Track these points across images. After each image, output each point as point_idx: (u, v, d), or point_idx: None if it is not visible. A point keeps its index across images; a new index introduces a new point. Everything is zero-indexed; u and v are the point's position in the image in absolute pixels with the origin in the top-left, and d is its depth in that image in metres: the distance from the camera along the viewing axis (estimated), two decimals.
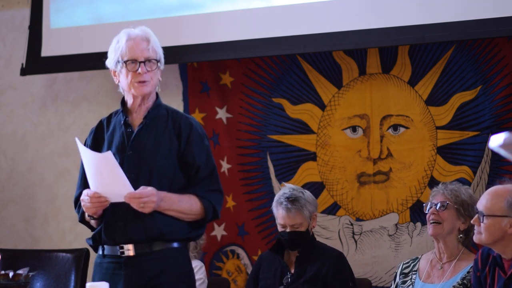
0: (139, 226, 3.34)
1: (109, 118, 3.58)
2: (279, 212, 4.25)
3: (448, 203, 3.96)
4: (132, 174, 3.36)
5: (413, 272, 4.05)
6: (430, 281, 3.97)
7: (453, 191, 3.99)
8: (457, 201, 3.96)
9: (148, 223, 3.33)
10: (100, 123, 3.59)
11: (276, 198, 4.29)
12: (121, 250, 3.35)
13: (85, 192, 3.38)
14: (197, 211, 3.39)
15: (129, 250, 3.34)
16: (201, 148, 3.44)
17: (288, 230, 4.21)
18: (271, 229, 4.98)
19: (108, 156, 3.27)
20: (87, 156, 3.35)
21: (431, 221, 3.98)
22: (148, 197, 3.27)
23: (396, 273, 4.13)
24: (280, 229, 4.26)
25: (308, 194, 4.29)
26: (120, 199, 3.33)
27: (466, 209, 3.96)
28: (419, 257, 4.13)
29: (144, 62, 3.41)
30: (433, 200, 4.03)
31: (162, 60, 3.50)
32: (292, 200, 4.20)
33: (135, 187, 3.33)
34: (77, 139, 3.38)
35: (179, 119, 3.48)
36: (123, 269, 3.35)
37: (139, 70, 3.40)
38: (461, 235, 3.96)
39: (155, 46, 3.46)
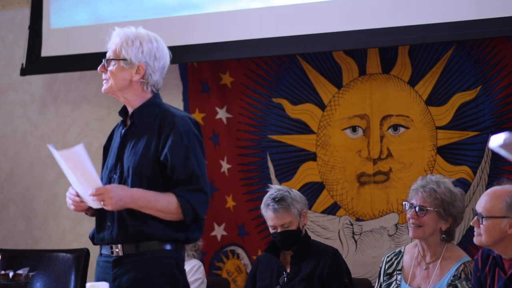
0: (123, 227, 3.32)
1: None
2: (267, 214, 4.23)
3: (427, 209, 3.83)
4: (116, 173, 3.37)
5: (398, 272, 3.95)
6: (416, 285, 3.90)
7: (431, 193, 3.84)
8: (437, 204, 3.83)
9: (131, 224, 3.30)
10: (117, 123, 3.57)
11: (263, 200, 4.26)
12: (111, 250, 3.35)
13: (70, 189, 3.39)
14: (175, 210, 3.28)
15: (118, 250, 3.34)
16: (178, 148, 3.31)
17: (279, 230, 4.20)
18: None
19: (79, 150, 3.22)
20: (61, 157, 3.30)
21: (411, 225, 3.87)
22: (102, 194, 3.22)
23: (380, 268, 4.03)
24: (271, 231, 4.23)
25: (295, 192, 4.27)
26: (94, 205, 3.31)
27: (446, 209, 3.84)
28: (402, 250, 4.03)
29: (105, 60, 3.40)
30: (412, 200, 3.89)
31: (131, 58, 3.35)
32: (278, 200, 4.18)
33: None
34: (49, 146, 3.31)
35: (166, 118, 3.36)
36: (111, 268, 3.35)
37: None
38: (443, 236, 3.88)
39: (119, 46, 3.37)
